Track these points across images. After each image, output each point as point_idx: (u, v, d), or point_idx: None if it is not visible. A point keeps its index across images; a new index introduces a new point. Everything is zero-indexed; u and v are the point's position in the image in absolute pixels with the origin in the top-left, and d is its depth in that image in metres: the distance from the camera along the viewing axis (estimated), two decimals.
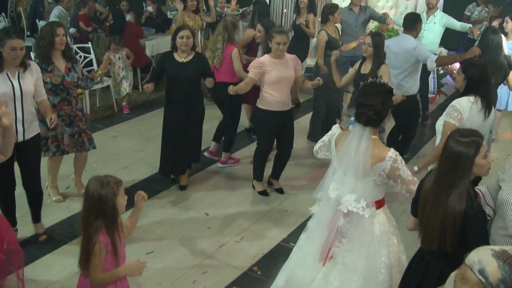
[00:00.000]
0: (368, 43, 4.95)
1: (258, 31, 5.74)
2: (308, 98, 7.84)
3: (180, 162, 5.26)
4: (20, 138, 3.99)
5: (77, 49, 7.52)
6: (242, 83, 5.02)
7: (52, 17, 8.64)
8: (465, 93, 3.78)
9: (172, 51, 5.01)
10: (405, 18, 5.65)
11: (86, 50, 7.63)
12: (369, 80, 3.16)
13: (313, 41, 8.42)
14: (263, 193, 5.36)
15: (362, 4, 7.25)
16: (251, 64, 4.99)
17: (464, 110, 3.67)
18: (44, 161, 4.68)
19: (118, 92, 7.30)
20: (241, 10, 9.62)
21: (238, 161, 5.98)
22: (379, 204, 3.18)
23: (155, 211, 4.96)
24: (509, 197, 2.75)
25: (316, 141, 3.56)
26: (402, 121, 5.78)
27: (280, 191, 5.43)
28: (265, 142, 5.23)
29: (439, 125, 3.92)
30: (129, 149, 6.22)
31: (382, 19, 7.16)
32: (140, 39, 8.35)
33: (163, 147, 5.27)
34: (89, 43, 7.73)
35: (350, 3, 6.99)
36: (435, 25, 6.98)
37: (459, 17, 8.42)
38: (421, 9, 8.99)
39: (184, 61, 4.94)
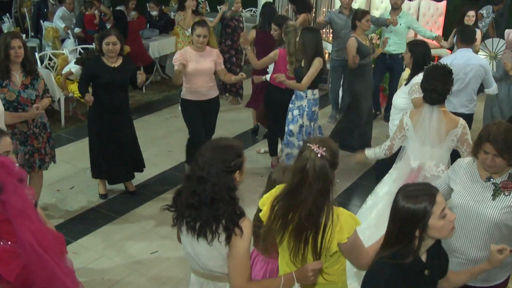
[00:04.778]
0: (298, 38, 5.11)
1: (274, 30, 5.76)
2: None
3: (124, 169, 5.14)
4: None
5: (81, 50, 7.57)
6: (174, 76, 5.28)
7: (56, 18, 8.68)
8: (414, 69, 4.26)
9: (99, 56, 4.84)
10: (462, 32, 5.25)
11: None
12: (431, 64, 3.73)
13: None
14: None
15: (362, 7, 7.20)
16: (174, 56, 5.21)
17: None
18: None
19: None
20: (244, 12, 9.63)
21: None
22: None
23: (159, 211, 4.98)
24: (460, 200, 2.81)
25: None
26: None
27: None
28: (191, 129, 5.40)
29: (399, 102, 4.35)
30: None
31: (380, 22, 6.93)
32: (144, 40, 8.42)
33: (94, 155, 5.03)
34: (93, 44, 7.76)
35: (340, 6, 6.83)
36: (401, 26, 6.82)
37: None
38: (423, 10, 9.01)
39: (116, 66, 4.80)
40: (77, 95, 6.71)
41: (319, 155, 2.29)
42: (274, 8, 7.26)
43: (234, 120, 7.03)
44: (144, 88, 8.23)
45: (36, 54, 7.25)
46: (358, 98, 6.11)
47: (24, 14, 10.38)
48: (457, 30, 5.47)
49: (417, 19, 8.92)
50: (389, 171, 3.99)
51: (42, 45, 9.14)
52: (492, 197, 2.74)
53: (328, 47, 7.65)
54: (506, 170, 2.75)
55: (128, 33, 8.14)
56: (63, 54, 7.32)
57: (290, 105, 5.29)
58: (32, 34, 9.80)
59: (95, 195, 5.17)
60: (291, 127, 5.22)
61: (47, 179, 5.05)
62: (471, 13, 6.83)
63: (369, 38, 6.95)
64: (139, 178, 5.50)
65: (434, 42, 7.35)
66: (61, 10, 8.79)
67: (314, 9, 8.19)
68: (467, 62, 5.03)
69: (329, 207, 2.33)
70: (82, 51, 7.49)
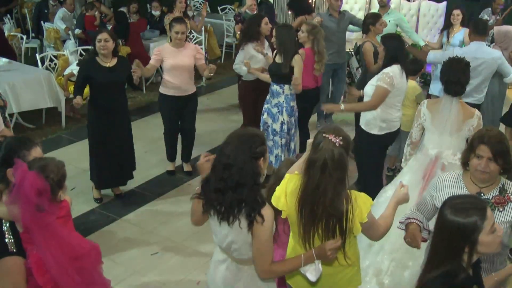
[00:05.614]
0: (274, 36, 5.10)
1: (265, 23, 5.71)
2: None
3: (122, 173, 5.11)
4: None
5: (82, 51, 7.58)
6: (144, 68, 5.20)
7: (57, 19, 8.70)
8: (387, 61, 4.34)
9: (94, 57, 4.76)
10: (475, 25, 5.25)
11: None
12: (452, 57, 3.86)
13: None
14: (170, 173, 5.74)
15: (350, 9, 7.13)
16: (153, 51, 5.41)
17: (396, 76, 4.27)
18: None
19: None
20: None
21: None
22: None
23: (160, 212, 5.01)
24: None
25: None
26: None
27: (188, 173, 5.70)
28: (166, 124, 5.58)
29: (370, 90, 4.42)
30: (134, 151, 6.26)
31: (360, 23, 6.61)
32: (144, 41, 8.44)
33: (95, 159, 4.97)
34: None
35: (329, 8, 6.68)
36: (390, 23, 6.66)
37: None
38: (424, 11, 9.04)
39: (110, 65, 4.73)
40: None
41: (337, 145, 2.38)
42: (271, 5, 7.27)
43: (234, 121, 7.04)
44: (144, 89, 8.25)
45: (37, 55, 7.27)
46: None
47: (25, 15, 10.42)
48: (470, 23, 5.44)
49: (417, 20, 8.96)
50: (408, 163, 4.08)
51: (43, 46, 9.17)
52: None
53: None
54: (495, 183, 2.67)
55: (129, 34, 8.16)
56: (64, 55, 7.34)
57: (266, 105, 5.27)
58: (33, 35, 9.83)
59: None
60: (274, 126, 5.20)
61: None
62: (456, 11, 6.83)
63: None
64: (140, 179, 5.52)
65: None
66: (61, 11, 8.81)
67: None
68: (476, 56, 4.94)
69: (346, 192, 2.44)
70: (83, 52, 7.51)
